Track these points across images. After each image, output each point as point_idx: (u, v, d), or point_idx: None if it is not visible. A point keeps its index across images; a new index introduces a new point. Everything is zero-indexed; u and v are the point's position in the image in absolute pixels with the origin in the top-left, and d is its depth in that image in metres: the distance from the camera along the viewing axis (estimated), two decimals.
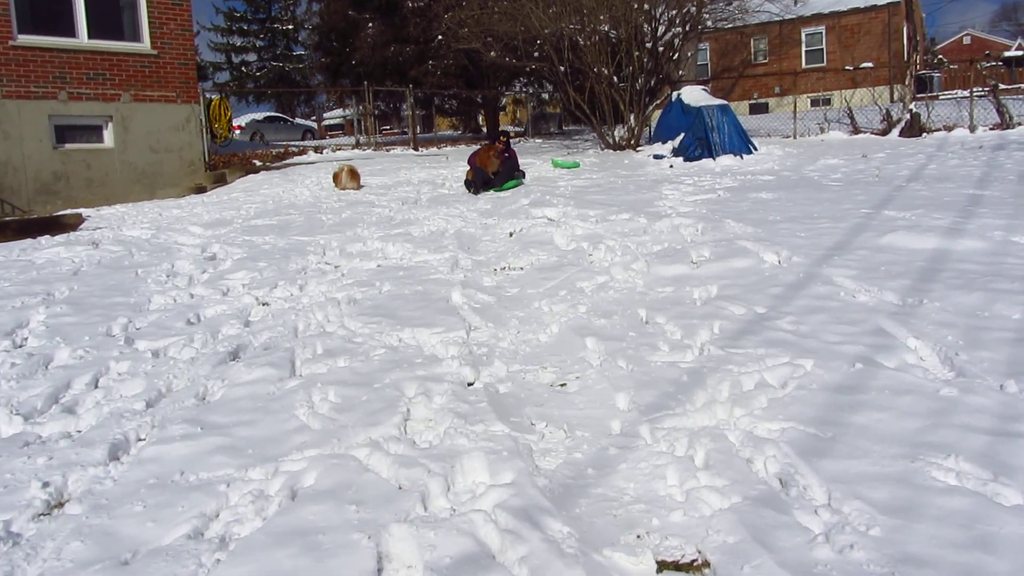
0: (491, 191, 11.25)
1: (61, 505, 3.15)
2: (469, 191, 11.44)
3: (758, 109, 34.97)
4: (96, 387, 4.46)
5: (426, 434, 3.58)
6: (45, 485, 3.23)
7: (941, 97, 21.44)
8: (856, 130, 15.94)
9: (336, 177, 12.60)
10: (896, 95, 30.55)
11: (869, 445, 3.08)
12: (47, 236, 9.42)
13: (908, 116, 14.95)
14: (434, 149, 20.48)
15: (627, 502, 2.90)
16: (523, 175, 12.04)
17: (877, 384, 3.63)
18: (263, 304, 6.10)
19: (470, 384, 4.17)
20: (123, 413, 4.00)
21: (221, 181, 14.44)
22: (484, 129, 31.91)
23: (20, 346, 5.22)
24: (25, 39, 12.66)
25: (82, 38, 13.28)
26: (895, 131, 14.89)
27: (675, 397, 3.75)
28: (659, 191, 9.95)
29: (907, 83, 16.09)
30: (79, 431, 3.87)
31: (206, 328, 5.40)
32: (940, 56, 47.03)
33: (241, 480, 3.20)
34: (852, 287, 5.10)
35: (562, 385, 4.13)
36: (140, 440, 3.72)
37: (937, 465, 2.90)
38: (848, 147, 13.90)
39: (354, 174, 12.59)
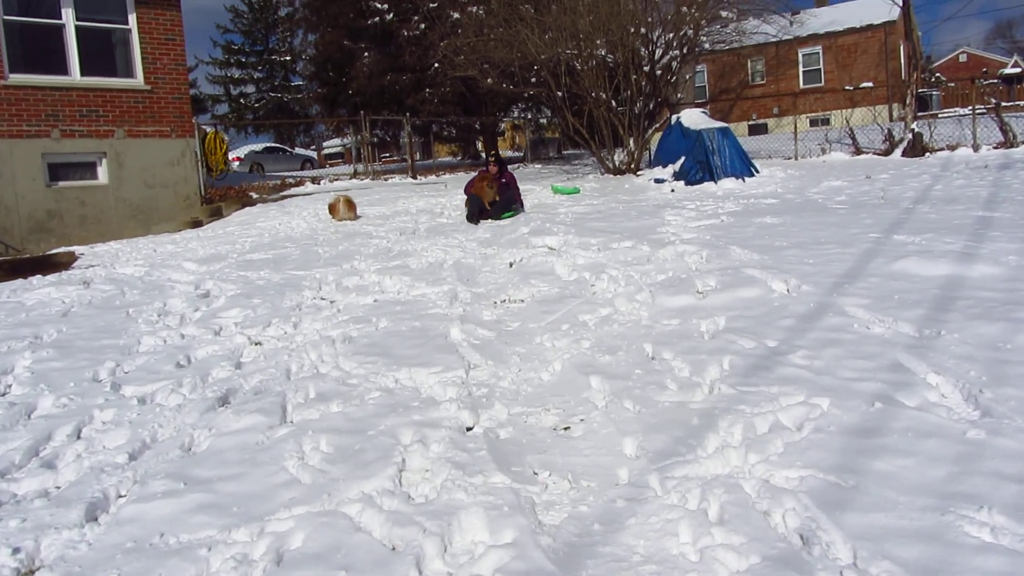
0: (489, 220, 11.05)
1: (32, 573, 2.95)
2: (470, 222, 11.18)
3: (757, 130, 34.96)
4: (78, 438, 4.27)
5: (422, 487, 3.37)
6: (15, 551, 3.03)
7: (941, 115, 21.36)
8: (858, 150, 15.80)
9: (332, 208, 12.44)
10: (896, 114, 30.59)
11: (895, 496, 2.87)
12: (39, 276, 9.25)
13: (910, 135, 14.79)
14: (433, 177, 20.38)
15: (637, 562, 2.69)
16: (522, 205, 11.79)
17: (899, 426, 3.43)
18: (256, 344, 5.91)
19: (469, 429, 3.97)
20: (104, 467, 3.81)
21: (217, 215, 14.30)
22: (483, 155, 31.87)
23: (3, 394, 5.04)
24: (17, 78, 12.60)
25: (75, 75, 13.21)
26: (898, 151, 14.74)
27: (685, 442, 3.54)
28: (661, 217, 9.78)
29: (908, 102, 15.93)
30: (57, 487, 3.68)
31: (196, 371, 5.21)
32: (937, 74, 47.10)
33: (224, 543, 2.99)
34: (866, 318, 4.90)
35: (566, 429, 3.93)
36: (120, 497, 3.52)
37: (969, 519, 2.68)
38: (851, 168, 13.75)
39: (350, 204, 12.40)
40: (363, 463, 3.58)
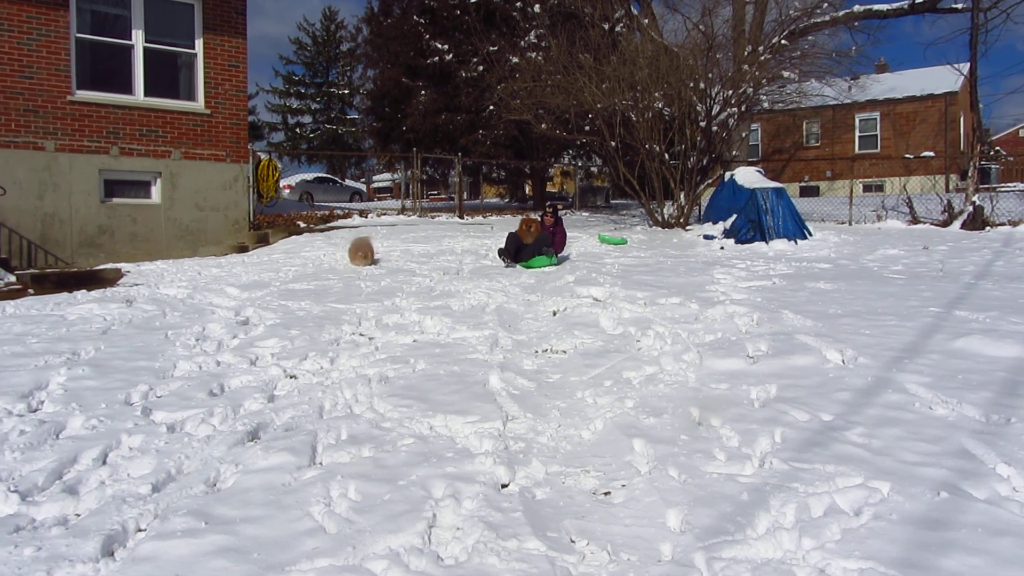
0: (521, 265, 10.82)
1: None
2: (500, 258, 11.03)
3: (808, 192, 34.59)
4: (104, 463, 4.17)
5: (452, 546, 3.18)
6: None
7: (1000, 190, 20.85)
8: (915, 219, 15.44)
9: (353, 252, 11.43)
10: (952, 185, 30.06)
11: None
12: (83, 291, 9.30)
13: (971, 208, 14.41)
14: (480, 217, 20.38)
15: None
16: (556, 255, 11.19)
17: (967, 520, 3.17)
18: (291, 377, 5.80)
19: (504, 486, 3.79)
20: (126, 497, 3.69)
21: (264, 241, 14.38)
22: (531, 199, 31.93)
23: (35, 410, 4.98)
24: (83, 95, 12.87)
25: (138, 95, 13.47)
26: (957, 223, 14.36)
27: (734, 519, 3.32)
28: (710, 274, 9.56)
29: (970, 174, 15.55)
30: (77, 515, 3.57)
31: (228, 401, 5.10)
32: (997, 148, 46.37)
33: None
34: (927, 397, 4.63)
35: (606, 494, 3.73)
36: (139, 531, 3.40)
37: None
38: (907, 237, 13.41)
39: (364, 251, 11.31)
40: (392, 515, 3.41)
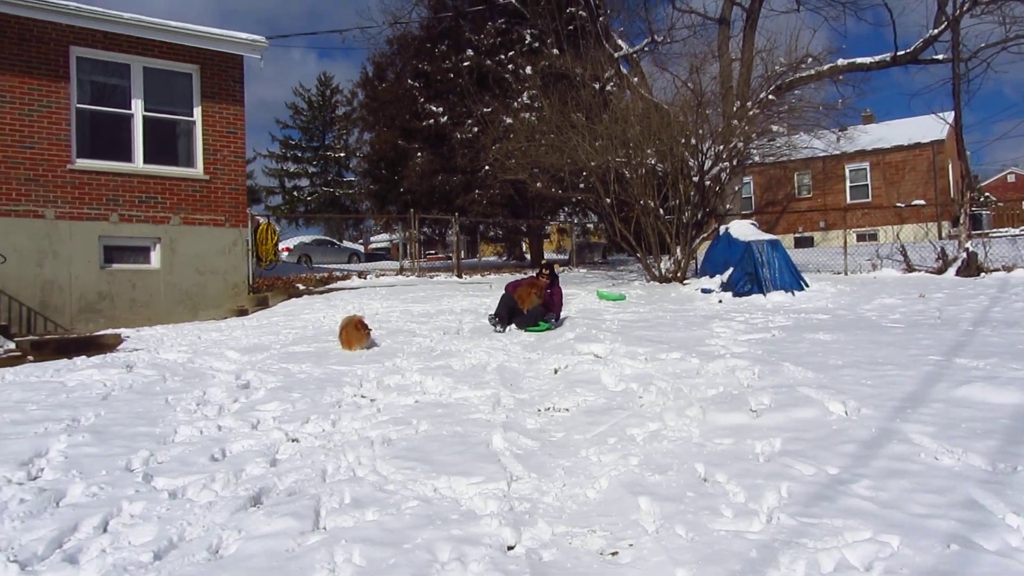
0: (516, 328, 10.36)
1: None
2: (491, 323, 10.39)
3: (803, 243, 34.84)
4: (105, 531, 4.12)
5: None
6: None
7: (992, 235, 21.02)
8: (910, 267, 15.52)
9: (342, 334, 9.59)
10: (944, 232, 30.31)
11: None
12: (83, 357, 9.30)
13: (965, 255, 14.51)
14: (478, 276, 20.46)
15: None
16: (557, 319, 10.84)
17: (979, 572, 3.15)
18: (293, 440, 5.76)
19: (510, 548, 3.75)
20: (128, 566, 3.65)
21: (263, 304, 14.41)
22: (528, 256, 32.10)
23: (35, 478, 4.93)
24: (83, 163, 13.06)
25: (137, 163, 13.67)
26: (951, 270, 14.44)
27: None
28: (710, 328, 9.58)
29: (962, 221, 15.69)
30: None
31: (230, 466, 5.07)
32: (987, 194, 46.86)
33: None
34: (932, 447, 4.62)
35: (613, 554, 3.69)
36: None
37: None
38: (903, 285, 13.47)
39: (357, 332, 9.46)
40: None
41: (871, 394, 5.85)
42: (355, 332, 9.33)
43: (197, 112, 14.34)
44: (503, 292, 10.65)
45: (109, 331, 11.79)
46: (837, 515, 3.79)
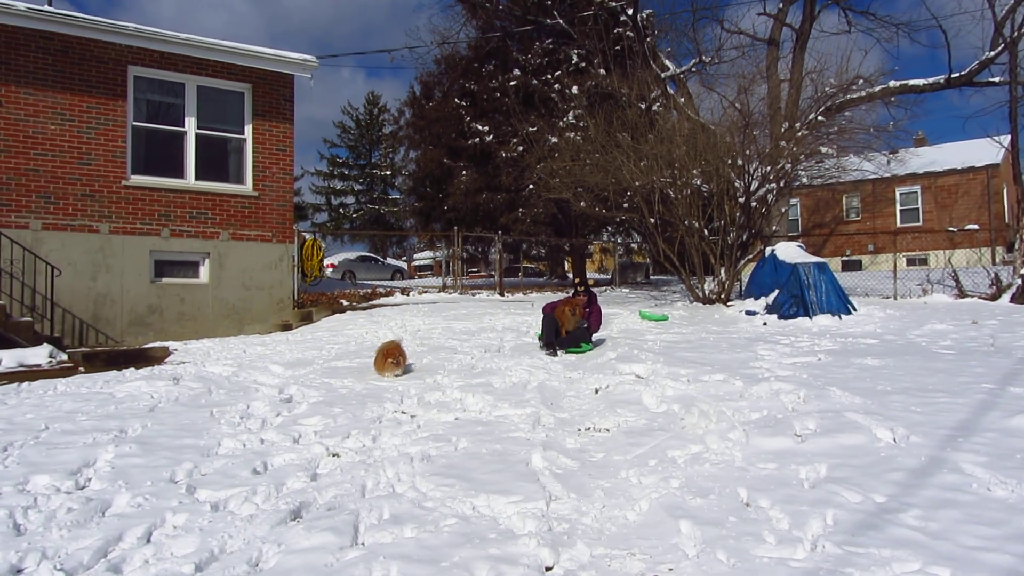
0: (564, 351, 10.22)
1: None
2: (542, 348, 10.24)
3: (851, 266, 34.28)
4: (148, 542, 4.19)
5: None
6: None
7: None
8: (962, 293, 15.16)
9: (377, 360, 9.05)
10: (998, 258, 29.58)
11: None
12: (132, 368, 9.48)
13: (1020, 281, 14.13)
14: (520, 295, 20.48)
15: None
16: (590, 339, 10.58)
17: None
18: (333, 455, 5.80)
19: (548, 569, 3.72)
20: None
21: (307, 319, 14.57)
22: (570, 275, 32.06)
23: (83, 488, 5.04)
24: (137, 179, 13.38)
25: (189, 179, 13.95)
26: (1005, 296, 14.06)
27: None
28: (754, 351, 9.44)
29: (1017, 246, 15.31)
30: None
31: (271, 480, 5.11)
32: None
33: None
34: (985, 478, 4.48)
35: None
36: None
37: None
38: (955, 311, 13.15)
39: (394, 357, 8.92)
40: None
41: (921, 421, 5.71)
42: (382, 362, 8.84)
43: (248, 130, 14.62)
44: (544, 314, 10.50)
45: (157, 344, 12.02)
46: (885, 545, 3.70)
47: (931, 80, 23.50)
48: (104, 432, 6.26)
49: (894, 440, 5.37)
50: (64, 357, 10.43)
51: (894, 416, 5.87)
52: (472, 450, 5.76)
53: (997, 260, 28.31)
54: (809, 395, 6.72)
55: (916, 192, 35.76)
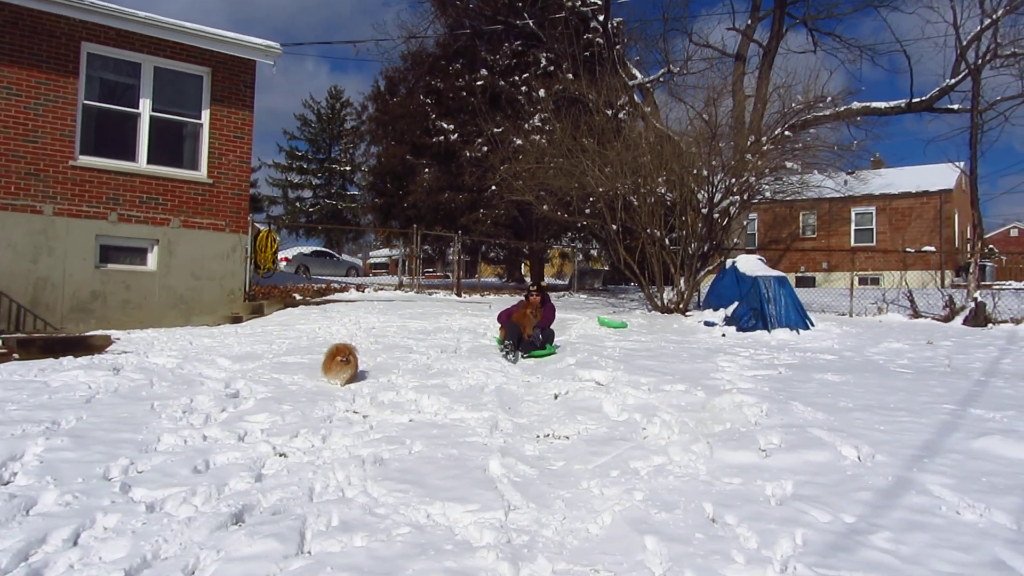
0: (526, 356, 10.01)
1: None
2: (502, 352, 9.94)
3: (805, 282, 34.64)
4: (75, 544, 3.88)
5: None
6: None
7: (996, 287, 20.82)
8: (916, 314, 15.29)
9: (326, 362, 8.13)
10: (947, 280, 30.15)
11: None
12: (70, 357, 9.04)
13: (973, 304, 14.29)
14: (477, 296, 20.24)
15: None
16: (553, 344, 10.52)
17: None
18: (280, 455, 5.51)
19: None
20: None
21: (258, 312, 14.15)
22: (527, 280, 31.90)
23: (7, 483, 4.70)
24: (85, 160, 12.83)
25: (141, 163, 13.43)
26: (958, 319, 14.20)
27: None
28: (714, 361, 9.34)
29: (972, 270, 15.50)
30: None
31: (213, 480, 4.82)
32: (991, 246, 46.82)
33: None
34: (953, 500, 4.38)
35: None
36: None
37: None
38: (910, 331, 13.24)
39: (344, 359, 8.01)
40: None
41: (885, 440, 5.63)
42: (330, 363, 8.00)
43: (205, 115, 14.13)
44: (501, 324, 10.37)
45: (99, 332, 11.52)
46: (857, 568, 3.56)
47: (893, 104, 23.87)
48: (35, 423, 5.88)
49: (859, 458, 5.27)
50: None
51: (858, 434, 5.78)
52: (427, 454, 5.52)
53: (946, 283, 28.83)
54: (772, 409, 6.61)
55: (871, 213, 36.31)
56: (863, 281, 33.17)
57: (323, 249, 41.61)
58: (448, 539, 3.98)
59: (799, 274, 36.35)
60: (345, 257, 44.97)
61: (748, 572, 3.58)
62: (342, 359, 7.97)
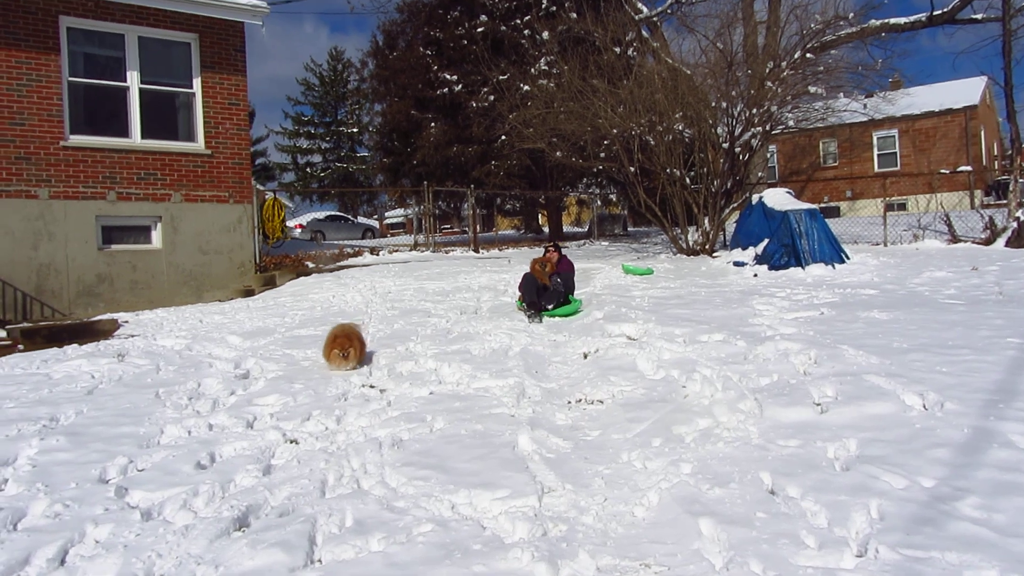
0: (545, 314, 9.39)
1: None
2: (526, 315, 9.31)
3: (829, 213, 33.70)
4: (61, 564, 3.48)
5: None
6: None
7: None
8: (955, 238, 14.59)
9: (325, 349, 7.21)
10: (977, 201, 29.15)
11: None
12: (75, 345, 8.64)
13: (1015, 224, 13.57)
14: (495, 251, 19.71)
15: None
16: (576, 299, 9.93)
17: None
18: (291, 442, 5.09)
19: None
20: None
21: (270, 284, 13.72)
22: (545, 230, 31.29)
23: None
24: (77, 140, 12.30)
25: (135, 138, 12.89)
26: (1000, 241, 13.49)
27: None
28: (750, 305, 8.78)
29: (1012, 188, 14.73)
30: None
31: (217, 476, 4.39)
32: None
33: None
34: None
35: None
36: None
37: None
38: (950, 257, 12.56)
39: (349, 346, 7.06)
40: None
41: (951, 384, 5.07)
42: (329, 351, 7.10)
43: (197, 83, 13.53)
44: (522, 279, 9.73)
45: (106, 316, 11.11)
46: (949, 546, 3.06)
47: (912, 18, 22.77)
48: (31, 422, 5.49)
49: (925, 407, 4.75)
50: (2, 334, 9.59)
51: (919, 379, 5.23)
52: (450, 432, 5.06)
53: (975, 204, 27.89)
54: (820, 355, 6.07)
55: (894, 136, 35.17)
56: (889, 207, 32.23)
57: (337, 214, 41.13)
58: (476, 536, 3.52)
59: (823, 205, 35.40)
60: (361, 220, 44.48)
61: (823, 559, 3.10)
62: (340, 353, 7.00)
